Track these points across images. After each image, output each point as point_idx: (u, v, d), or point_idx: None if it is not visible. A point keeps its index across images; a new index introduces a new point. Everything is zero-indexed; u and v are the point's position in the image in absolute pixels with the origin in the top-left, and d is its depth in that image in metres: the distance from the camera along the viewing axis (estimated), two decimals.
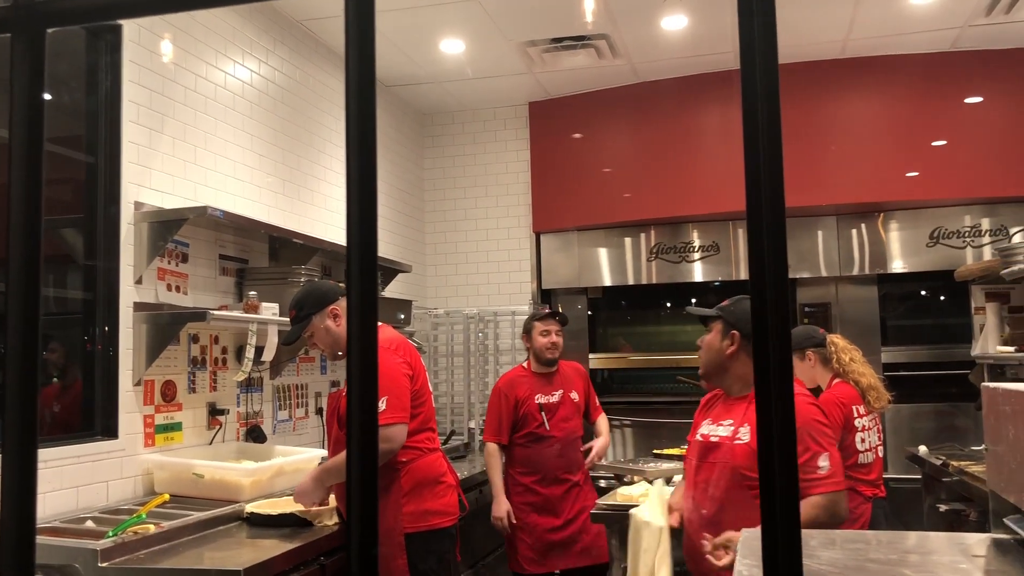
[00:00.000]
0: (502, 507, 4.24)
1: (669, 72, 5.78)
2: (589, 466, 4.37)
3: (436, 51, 5.31)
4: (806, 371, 4.18)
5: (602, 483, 4.82)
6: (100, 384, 3.35)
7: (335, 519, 3.21)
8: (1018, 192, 5.38)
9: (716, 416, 2.86)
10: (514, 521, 4.24)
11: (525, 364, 4.53)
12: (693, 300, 6.78)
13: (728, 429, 2.75)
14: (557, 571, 4.31)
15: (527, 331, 4.50)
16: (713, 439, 2.78)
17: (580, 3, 4.70)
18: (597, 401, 4.63)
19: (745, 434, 2.65)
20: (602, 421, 4.57)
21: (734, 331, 2.77)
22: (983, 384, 1.48)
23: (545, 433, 4.31)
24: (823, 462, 2.51)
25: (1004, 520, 1.37)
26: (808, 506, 2.48)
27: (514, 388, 4.38)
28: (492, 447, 4.33)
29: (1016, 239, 5.01)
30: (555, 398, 4.39)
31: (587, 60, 5.46)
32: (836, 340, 4.11)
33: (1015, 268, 4.34)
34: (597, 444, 4.40)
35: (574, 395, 4.45)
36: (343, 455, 3.12)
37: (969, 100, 5.50)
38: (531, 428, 4.32)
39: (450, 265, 6.44)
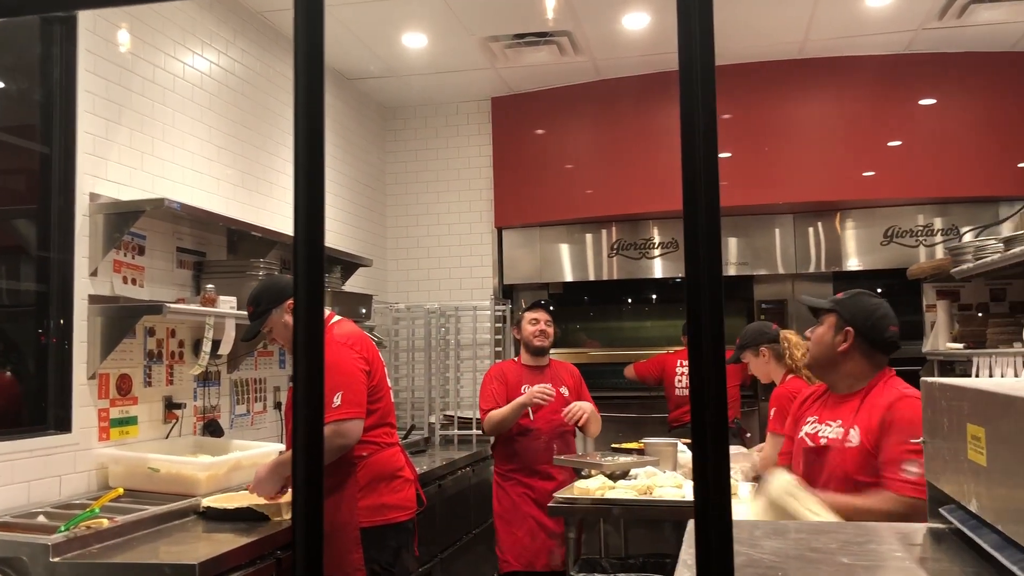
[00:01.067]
0: (530, 391, 4.22)
1: (631, 70, 5.83)
2: (567, 417, 4.29)
3: (398, 45, 5.30)
4: (760, 366, 4.26)
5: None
6: (53, 377, 3.31)
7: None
8: (969, 192, 5.51)
9: (823, 414, 2.72)
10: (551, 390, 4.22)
11: (517, 358, 4.61)
12: (653, 296, 6.86)
13: (836, 430, 2.61)
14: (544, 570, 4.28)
15: (516, 323, 4.62)
16: (822, 441, 2.64)
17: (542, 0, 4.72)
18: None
19: (855, 436, 2.53)
20: None
21: (848, 328, 2.65)
22: (922, 379, 1.53)
23: (530, 424, 4.31)
24: (914, 467, 2.31)
25: (939, 510, 1.42)
26: (882, 499, 2.36)
27: (504, 374, 4.44)
28: (492, 412, 4.30)
29: (967, 238, 5.13)
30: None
31: (549, 56, 5.48)
32: (789, 336, 4.19)
33: (965, 267, 4.45)
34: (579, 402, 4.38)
35: (564, 390, 4.45)
36: None
37: (923, 102, 5.62)
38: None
39: (411, 260, 6.44)
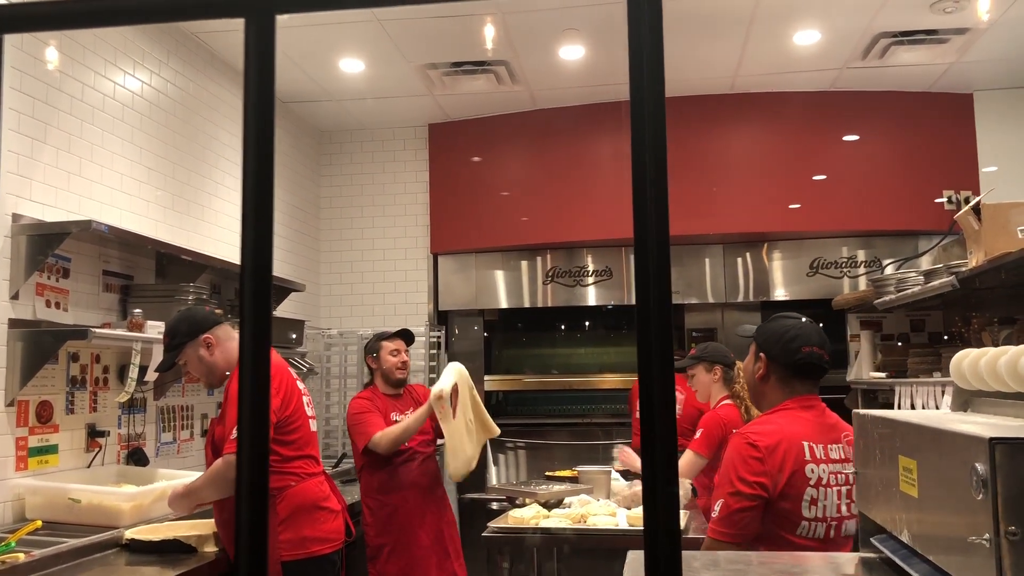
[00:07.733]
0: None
1: (566, 100, 5.91)
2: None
3: (335, 69, 5.28)
4: (706, 383, 4.28)
5: (495, 505, 4.83)
6: None
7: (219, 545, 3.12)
8: (891, 226, 5.71)
9: None
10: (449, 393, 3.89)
11: (370, 389, 4.30)
12: (587, 323, 6.90)
13: None
14: None
15: (373, 352, 4.29)
16: None
17: (480, 30, 4.76)
18: None
19: None
20: None
21: (762, 352, 2.48)
22: (854, 411, 1.57)
23: (404, 447, 4.08)
24: (716, 510, 2.26)
25: (871, 539, 1.45)
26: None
27: (375, 403, 4.17)
28: (379, 434, 3.99)
29: (888, 271, 5.30)
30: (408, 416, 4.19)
31: (487, 85, 5.52)
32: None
33: (887, 298, 4.59)
34: None
35: None
36: (203, 477, 3.11)
37: (847, 138, 5.81)
38: None
39: (345, 285, 6.37)
